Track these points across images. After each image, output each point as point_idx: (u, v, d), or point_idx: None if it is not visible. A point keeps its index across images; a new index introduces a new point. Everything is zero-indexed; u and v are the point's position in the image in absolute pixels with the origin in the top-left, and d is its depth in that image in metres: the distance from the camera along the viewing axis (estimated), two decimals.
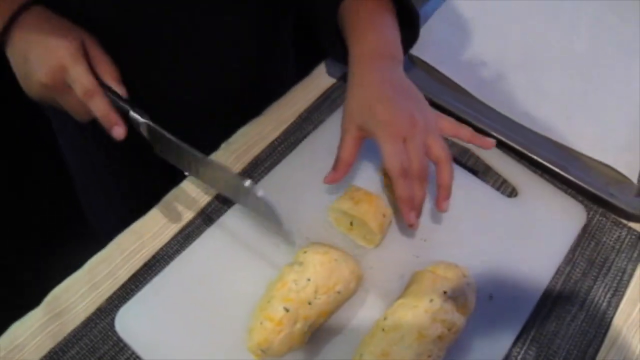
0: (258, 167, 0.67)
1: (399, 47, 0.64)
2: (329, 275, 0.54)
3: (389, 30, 0.64)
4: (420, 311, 0.51)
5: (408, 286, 0.56)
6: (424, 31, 0.79)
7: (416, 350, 0.49)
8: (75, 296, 0.57)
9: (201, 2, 0.65)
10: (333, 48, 0.68)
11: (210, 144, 0.69)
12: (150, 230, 0.62)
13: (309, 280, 0.53)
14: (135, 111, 0.56)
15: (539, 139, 0.71)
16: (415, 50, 0.77)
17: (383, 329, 0.51)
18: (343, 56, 0.64)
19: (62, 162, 0.86)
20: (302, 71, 0.77)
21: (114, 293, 0.58)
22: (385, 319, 0.52)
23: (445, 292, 0.53)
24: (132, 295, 0.57)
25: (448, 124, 0.60)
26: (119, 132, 0.56)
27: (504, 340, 0.56)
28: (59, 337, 0.55)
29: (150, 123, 0.56)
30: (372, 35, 0.62)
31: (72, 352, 0.54)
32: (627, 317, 0.60)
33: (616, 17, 0.86)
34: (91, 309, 0.57)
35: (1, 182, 1.59)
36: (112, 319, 0.56)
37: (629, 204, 0.65)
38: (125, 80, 0.59)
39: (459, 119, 0.70)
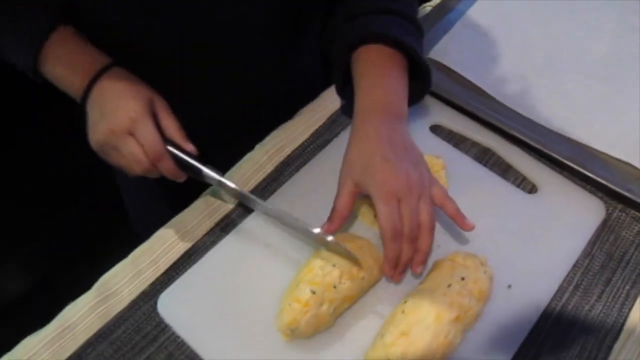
0: (289, 166, 0.72)
1: (404, 105, 0.65)
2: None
3: (397, 87, 0.65)
4: (438, 295, 0.55)
5: (429, 273, 0.59)
6: (447, 38, 0.84)
7: (434, 331, 0.52)
8: (122, 282, 0.63)
9: (221, 10, 0.67)
10: (342, 90, 0.70)
11: (246, 147, 0.74)
12: (189, 224, 0.67)
13: (334, 266, 0.57)
14: (208, 168, 0.61)
15: (558, 138, 0.74)
16: (437, 56, 0.81)
17: (403, 311, 0.54)
18: (352, 99, 0.66)
19: (109, 168, 0.93)
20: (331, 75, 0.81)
21: (157, 279, 0.63)
22: (405, 302, 0.56)
23: (463, 279, 0.56)
24: (173, 282, 0.62)
25: (439, 193, 0.60)
26: (188, 146, 0.61)
27: (522, 327, 0.59)
28: (107, 318, 0.60)
29: (223, 179, 0.61)
30: (379, 90, 0.64)
31: (118, 332, 0.59)
32: None
33: (639, 15, 0.88)
34: (135, 293, 0.62)
35: (58, 189, 1.71)
36: (155, 303, 0.61)
37: None
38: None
39: (478, 118, 0.74)
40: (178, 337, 0.59)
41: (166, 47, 0.69)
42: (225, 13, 0.68)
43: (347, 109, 0.77)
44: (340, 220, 0.59)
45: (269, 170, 0.71)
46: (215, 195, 0.69)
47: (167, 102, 0.63)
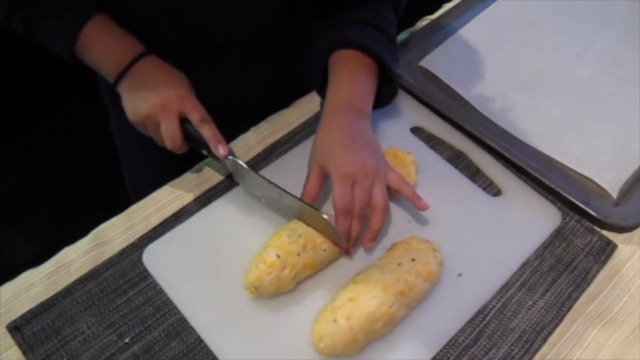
0: (277, 149, 0.79)
1: (368, 104, 0.72)
2: (317, 234, 0.64)
3: (363, 88, 0.72)
4: (387, 271, 0.61)
5: (385, 253, 0.66)
6: (439, 50, 0.90)
7: (380, 300, 0.59)
8: (115, 232, 0.71)
9: (233, 10, 0.75)
10: (320, 88, 0.76)
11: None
12: (181, 189, 0.75)
13: (300, 236, 0.63)
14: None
15: (530, 150, 0.80)
16: (427, 65, 0.88)
17: (355, 282, 0.61)
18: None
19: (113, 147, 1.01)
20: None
21: (145, 234, 0.70)
22: (358, 274, 0.62)
23: (413, 260, 0.62)
24: (159, 237, 0.69)
25: (395, 178, 0.67)
26: (223, 150, 0.67)
27: (466, 312, 0.65)
28: (98, 262, 0.68)
29: (238, 160, 0.68)
30: (346, 89, 0.71)
31: (106, 274, 0.67)
32: (583, 310, 0.67)
33: (625, 48, 0.94)
34: (126, 243, 0.69)
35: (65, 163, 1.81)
36: (141, 254, 0.68)
37: (601, 212, 0.72)
38: None
39: (456, 124, 0.81)
40: (157, 285, 0.66)
41: (181, 40, 0.75)
42: (237, 12, 0.75)
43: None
44: (308, 201, 0.66)
45: (258, 151, 0.79)
46: (209, 165, 0.77)
47: None
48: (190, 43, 0.77)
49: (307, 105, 0.85)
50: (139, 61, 0.69)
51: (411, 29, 0.96)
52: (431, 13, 0.98)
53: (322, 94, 0.75)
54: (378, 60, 0.72)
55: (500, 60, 0.91)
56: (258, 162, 0.77)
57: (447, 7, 0.99)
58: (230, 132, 0.79)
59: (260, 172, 0.75)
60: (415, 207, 0.67)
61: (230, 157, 0.68)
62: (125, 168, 1.02)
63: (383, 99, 0.76)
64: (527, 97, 0.86)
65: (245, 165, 0.68)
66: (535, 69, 0.90)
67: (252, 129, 0.82)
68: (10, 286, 0.66)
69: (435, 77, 0.88)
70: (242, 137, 0.81)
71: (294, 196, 0.66)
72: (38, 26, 0.69)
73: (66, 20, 0.69)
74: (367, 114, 0.71)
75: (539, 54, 0.92)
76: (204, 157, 0.73)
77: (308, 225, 0.65)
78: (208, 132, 0.67)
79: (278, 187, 0.67)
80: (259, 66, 0.85)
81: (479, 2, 0.99)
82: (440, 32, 0.94)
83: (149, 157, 0.72)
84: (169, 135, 0.67)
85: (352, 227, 0.64)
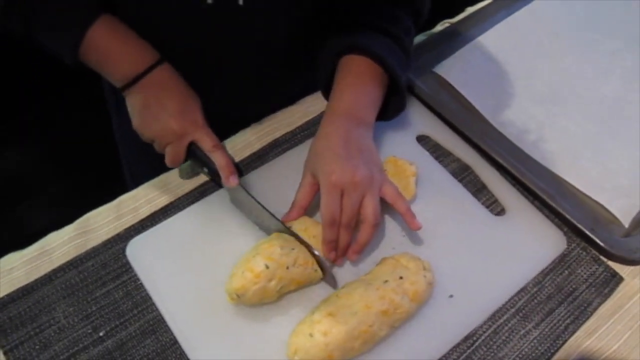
0: (277, 148, 0.76)
1: (371, 113, 0.69)
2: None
3: (367, 96, 0.69)
4: (372, 288, 0.58)
5: (373, 268, 0.63)
6: (455, 57, 0.87)
7: (360, 318, 0.56)
8: (102, 221, 0.69)
9: (247, 32, 0.71)
10: (326, 91, 0.73)
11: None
12: (173, 182, 0.73)
13: (292, 249, 0.61)
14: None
15: (541, 169, 0.76)
16: (441, 71, 0.85)
17: (337, 295, 0.59)
18: None
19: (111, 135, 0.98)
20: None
21: (132, 225, 0.69)
22: (342, 287, 0.60)
23: (400, 278, 0.59)
24: (145, 230, 0.68)
25: (390, 191, 0.64)
26: (233, 181, 0.65)
27: (454, 335, 0.62)
28: (81, 250, 0.67)
29: (242, 188, 0.67)
30: (349, 96, 0.68)
31: (87, 264, 0.66)
32: (579, 345, 0.63)
33: None
34: (111, 233, 0.68)
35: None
36: (125, 246, 0.67)
37: (609, 242, 0.68)
38: None
39: (464, 135, 0.77)
40: (138, 279, 0.64)
41: (191, 54, 0.71)
42: (250, 34, 0.72)
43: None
44: (298, 210, 0.65)
45: (256, 148, 0.76)
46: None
47: None
48: (203, 56, 0.74)
49: (310, 105, 0.82)
50: (153, 70, 0.66)
51: (429, 32, 0.92)
52: (452, 17, 0.94)
53: (328, 97, 0.72)
54: (387, 69, 0.69)
55: (518, 71, 0.87)
56: (255, 161, 0.75)
57: (469, 11, 0.95)
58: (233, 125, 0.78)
59: (257, 171, 0.73)
60: (408, 225, 0.64)
61: (239, 186, 0.66)
62: (128, 172, 0.99)
63: (390, 109, 0.72)
64: (544, 112, 0.82)
65: (251, 195, 0.66)
66: (555, 83, 0.86)
67: (253, 125, 0.79)
68: None
69: (449, 84, 0.84)
70: (242, 133, 0.78)
71: (291, 232, 0.63)
72: (38, 25, 0.64)
73: (71, 19, 0.65)
74: (367, 123, 0.68)
75: (560, 68, 0.88)
76: None
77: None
78: (221, 160, 0.65)
79: (278, 219, 0.65)
80: (271, 80, 0.81)
81: (503, 9, 0.95)
82: (458, 37, 0.90)
83: (152, 162, 0.70)
84: (173, 157, 0.67)
85: (339, 237, 0.62)
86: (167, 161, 0.68)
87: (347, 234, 0.62)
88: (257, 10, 0.68)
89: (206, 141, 0.66)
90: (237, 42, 0.73)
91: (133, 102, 0.67)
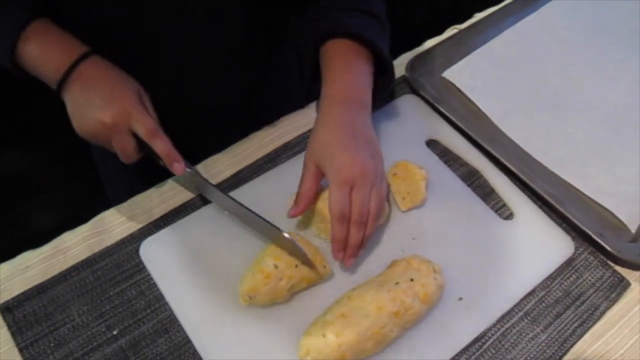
0: (288, 151, 0.77)
1: (367, 93, 0.68)
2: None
3: (361, 76, 0.68)
4: (384, 290, 0.59)
5: (384, 270, 0.64)
6: (464, 62, 0.87)
7: (372, 320, 0.57)
8: (116, 221, 0.70)
9: (195, 12, 0.70)
10: (313, 84, 0.72)
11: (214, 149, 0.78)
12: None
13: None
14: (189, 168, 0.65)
15: (549, 174, 0.76)
16: (450, 76, 0.85)
17: (349, 297, 0.59)
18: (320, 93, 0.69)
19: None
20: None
21: (146, 225, 0.70)
22: (354, 289, 0.60)
23: (412, 280, 0.60)
24: (159, 230, 0.69)
25: (385, 189, 0.64)
26: (179, 168, 0.63)
27: (463, 338, 0.63)
28: (95, 250, 0.68)
29: (195, 173, 0.66)
30: (342, 80, 0.67)
31: (101, 264, 0.67)
32: (587, 348, 0.64)
33: None
34: (125, 233, 0.69)
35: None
36: (139, 245, 0.67)
37: (616, 247, 0.69)
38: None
39: (473, 140, 0.78)
40: (151, 279, 0.65)
41: (142, 43, 0.71)
42: (199, 15, 0.71)
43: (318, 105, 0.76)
44: (306, 202, 0.63)
45: (268, 150, 0.77)
46: (177, 181, 0.74)
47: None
48: (153, 50, 0.72)
49: None
50: (80, 63, 0.62)
51: (438, 37, 0.93)
52: (460, 22, 0.95)
53: (313, 91, 0.71)
54: (370, 46, 0.68)
55: (527, 77, 0.88)
56: (266, 164, 0.76)
57: (477, 17, 0.96)
58: (213, 141, 0.77)
59: (268, 174, 0.74)
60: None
61: (188, 171, 0.65)
62: (105, 180, 0.98)
63: (380, 88, 0.72)
64: (551, 118, 0.83)
65: (205, 180, 0.65)
66: (563, 89, 0.87)
67: (265, 128, 0.80)
68: (7, 266, 0.66)
69: (458, 89, 0.85)
70: (254, 135, 0.79)
71: (257, 215, 0.62)
72: None
73: (4, 27, 0.63)
74: (367, 105, 0.68)
75: (569, 74, 0.89)
76: None
77: (277, 246, 0.62)
78: (160, 147, 0.62)
79: (241, 205, 0.64)
80: (230, 70, 0.80)
81: (511, 15, 0.96)
82: (467, 43, 0.91)
83: (127, 169, 0.69)
84: (122, 153, 0.63)
85: (350, 235, 0.61)
86: (122, 159, 0.64)
87: (358, 230, 0.61)
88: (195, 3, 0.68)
89: (139, 128, 0.61)
90: (187, 28, 0.72)
91: (67, 104, 0.63)
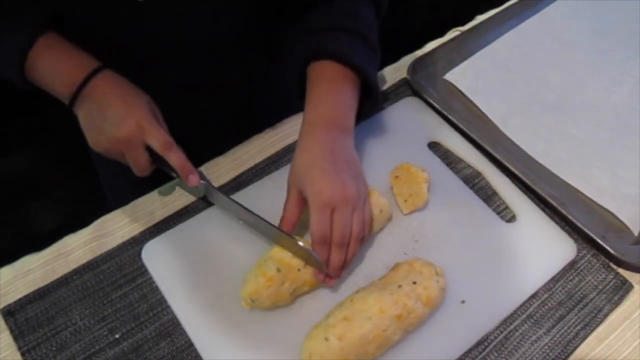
0: (290, 154, 0.77)
1: (350, 119, 0.67)
2: None
3: (344, 101, 0.67)
4: (386, 292, 0.59)
5: (387, 273, 0.64)
6: (466, 64, 0.87)
7: (375, 323, 0.57)
8: (118, 224, 0.70)
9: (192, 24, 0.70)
10: (301, 100, 0.70)
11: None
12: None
13: None
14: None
15: (551, 176, 0.76)
16: (452, 78, 0.85)
17: (352, 300, 0.59)
18: None
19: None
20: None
21: (147, 228, 0.70)
22: (356, 292, 0.60)
23: (414, 283, 0.60)
24: (161, 234, 0.69)
25: (368, 211, 0.64)
26: (194, 180, 0.64)
27: (466, 340, 0.62)
28: (97, 253, 0.68)
29: (209, 184, 0.67)
30: (325, 103, 0.66)
31: (103, 267, 0.66)
32: (590, 351, 0.64)
33: None
34: (127, 237, 0.69)
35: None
36: (141, 249, 0.67)
37: (619, 249, 0.69)
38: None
39: (475, 143, 0.78)
40: (154, 282, 0.65)
41: (143, 46, 0.70)
42: (200, 18, 0.70)
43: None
44: (288, 226, 0.63)
45: (269, 153, 0.77)
46: (180, 186, 0.75)
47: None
48: (153, 53, 0.72)
49: None
50: (92, 79, 0.63)
51: (440, 40, 0.93)
52: (462, 25, 0.95)
53: (302, 105, 0.70)
54: (357, 69, 0.68)
55: (528, 79, 0.88)
56: (268, 166, 0.76)
57: (479, 19, 0.96)
58: (213, 144, 0.77)
59: (269, 177, 0.74)
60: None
61: (203, 182, 0.66)
62: (105, 185, 0.98)
63: (366, 110, 0.71)
64: (554, 120, 0.83)
65: (217, 190, 0.66)
66: (565, 91, 0.87)
67: (267, 130, 0.80)
68: (9, 270, 0.66)
69: (460, 92, 0.85)
70: (256, 137, 0.79)
71: (270, 224, 0.63)
72: None
73: (12, 42, 0.64)
74: (348, 130, 0.66)
75: (571, 76, 0.89)
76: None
77: (289, 252, 0.62)
78: (175, 160, 0.63)
79: (253, 213, 0.64)
80: (231, 73, 0.80)
81: (513, 17, 0.95)
82: (469, 45, 0.91)
83: (126, 174, 0.69)
84: (136, 167, 0.64)
85: (331, 257, 0.60)
86: (134, 170, 0.65)
87: (340, 252, 0.60)
88: (195, 8, 0.68)
89: (154, 143, 0.62)
90: (188, 32, 0.71)
91: (80, 119, 0.64)
